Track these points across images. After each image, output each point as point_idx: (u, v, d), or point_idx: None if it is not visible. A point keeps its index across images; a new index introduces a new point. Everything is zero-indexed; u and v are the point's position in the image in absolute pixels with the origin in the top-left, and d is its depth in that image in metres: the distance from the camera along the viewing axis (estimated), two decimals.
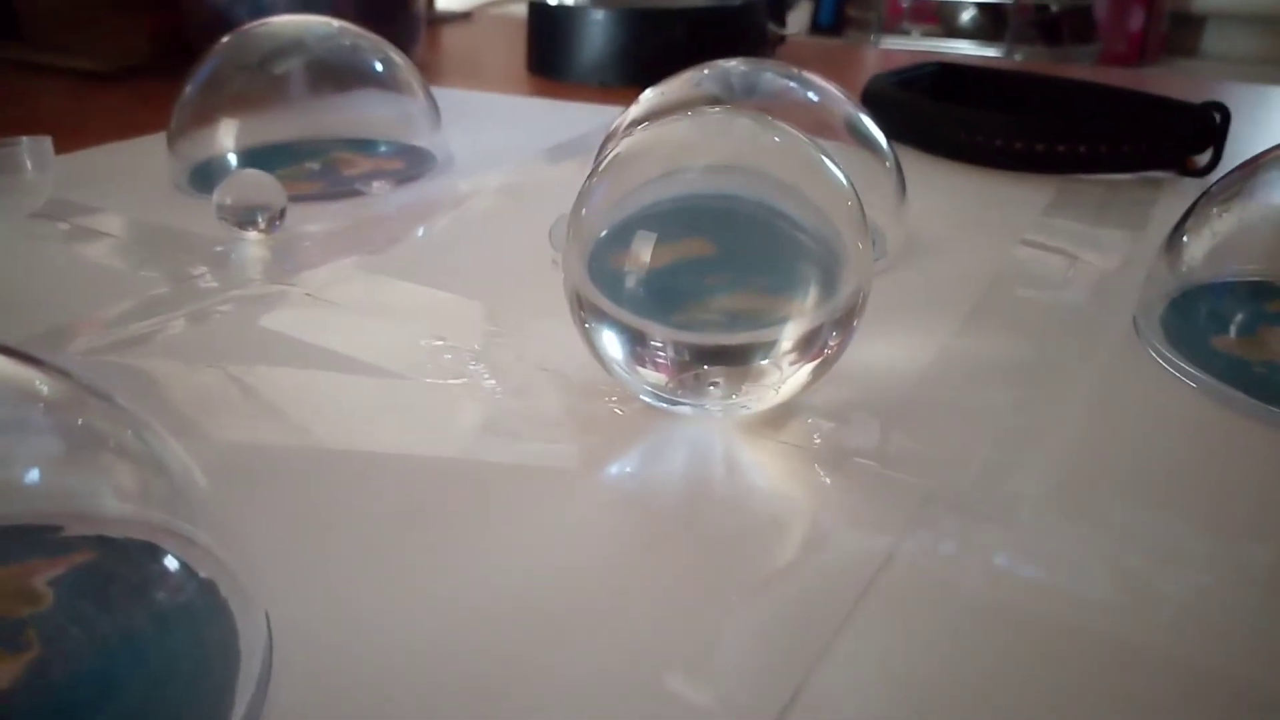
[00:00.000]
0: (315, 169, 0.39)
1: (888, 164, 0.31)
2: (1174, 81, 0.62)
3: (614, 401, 0.22)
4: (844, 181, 0.20)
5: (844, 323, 0.19)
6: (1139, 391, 0.23)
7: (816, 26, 1.16)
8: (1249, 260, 0.26)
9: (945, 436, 0.20)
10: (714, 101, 0.32)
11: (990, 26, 0.90)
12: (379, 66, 0.40)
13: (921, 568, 0.16)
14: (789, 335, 0.18)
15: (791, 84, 0.32)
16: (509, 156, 0.41)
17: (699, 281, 0.19)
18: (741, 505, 0.18)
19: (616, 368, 0.20)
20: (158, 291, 0.28)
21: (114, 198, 0.36)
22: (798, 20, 1.14)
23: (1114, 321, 0.26)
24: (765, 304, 0.18)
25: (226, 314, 0.26)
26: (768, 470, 0.19)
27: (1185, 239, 0.25)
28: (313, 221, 0.33)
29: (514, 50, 0.63)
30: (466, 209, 0.35)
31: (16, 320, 0.26)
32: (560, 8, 0.56)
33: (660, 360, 0.19)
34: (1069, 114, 0.44)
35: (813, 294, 0.18)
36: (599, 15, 0.54)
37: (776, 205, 0.19)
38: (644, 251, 0.18)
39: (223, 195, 0.31)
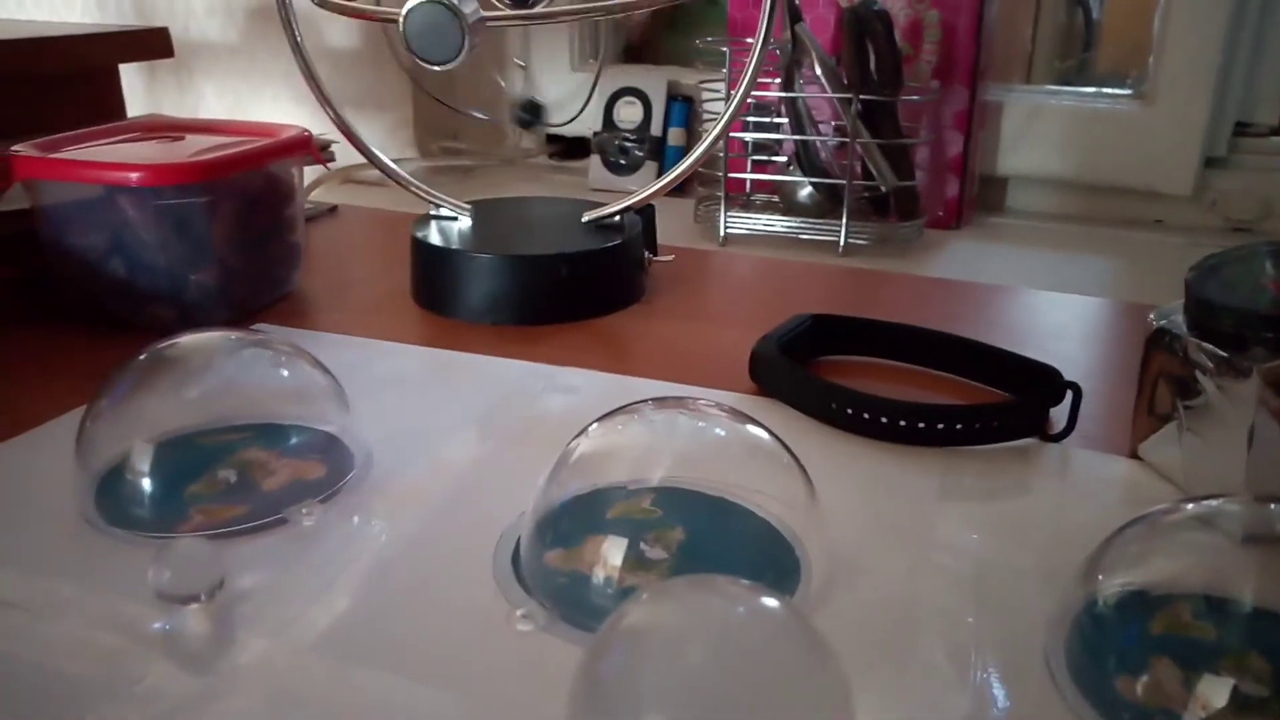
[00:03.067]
0: (231, 480, 0.38)
1: (785, 462, 0.34)
2: (990, 285, 0.68)
3: None
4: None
5: None
6: None
7: None
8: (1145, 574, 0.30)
9: None
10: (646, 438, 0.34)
11: (826, 203, 0.97)
12: (285, 372, 0.40)
13: None
14: None
15: (700, 423, 0.35)
16: (426, 441, 0.42)
17: None
18: None
19: None
20: (107, 708, 0.27)
21: (15, 545, 0.35)
22: (644, 179, 1.20)
23: (1027, 660, 0.29)
24: None
25: None
26: None
27: (1100, 577, 0.29)
28: (248, 571, 0.33)
29: (392, 271, 0.64)
30: (398, 533, 0.36)
31: None
32: (445, 250, 0.57)
33: None
34: (937, 365, 0.49)
35: None
36: (485, 259, 0.56)
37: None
38: None
39: (160, 573, 0.30)
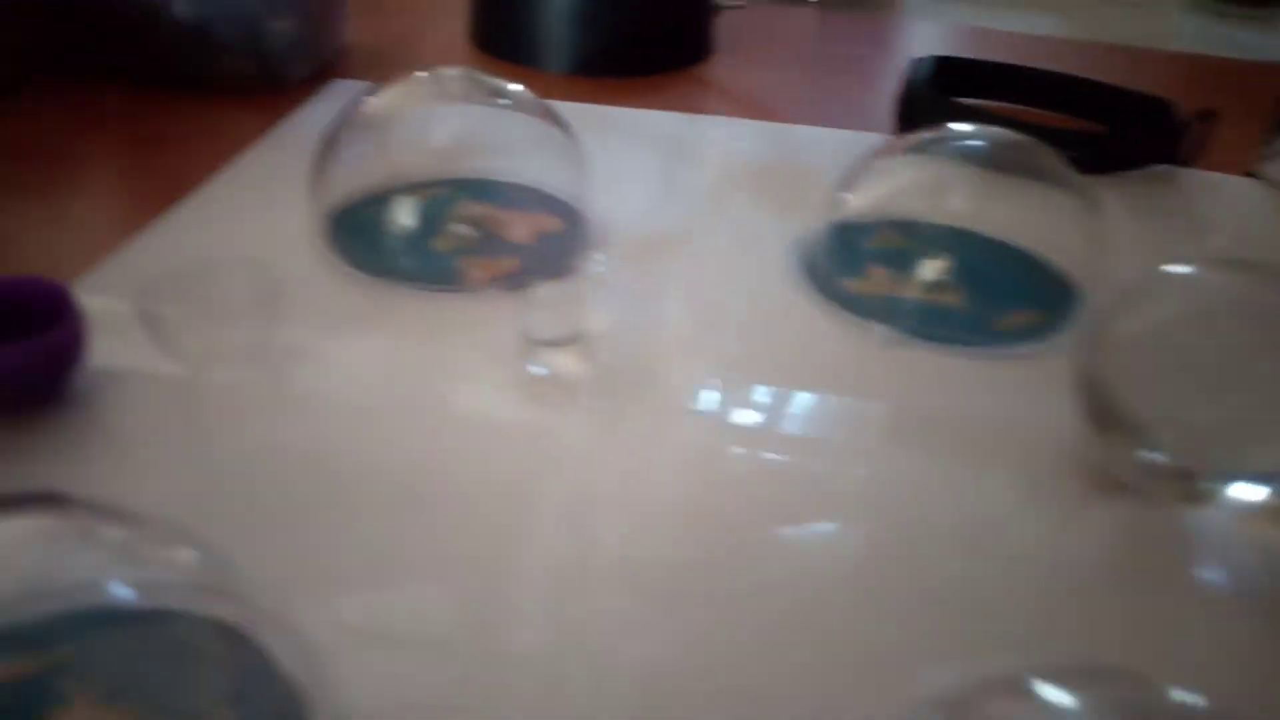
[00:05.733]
0: (472, 235, 0.36)
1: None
2: None
3: None
4: None
5: None
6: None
7: None
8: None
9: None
10: None
11: None
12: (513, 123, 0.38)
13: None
14: None
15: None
16: (632, 192, 0.41)
17: None
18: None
19: None
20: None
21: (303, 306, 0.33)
22: None
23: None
24: None
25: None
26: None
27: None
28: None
29: (438, 21, 0.59)
30: (681, 271, 0.36)
31: None
32: None
33: None
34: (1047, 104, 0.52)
35: None
36: (577, 2, 0.52)
37: None
38: None
39: (530, 319, 0.30)
